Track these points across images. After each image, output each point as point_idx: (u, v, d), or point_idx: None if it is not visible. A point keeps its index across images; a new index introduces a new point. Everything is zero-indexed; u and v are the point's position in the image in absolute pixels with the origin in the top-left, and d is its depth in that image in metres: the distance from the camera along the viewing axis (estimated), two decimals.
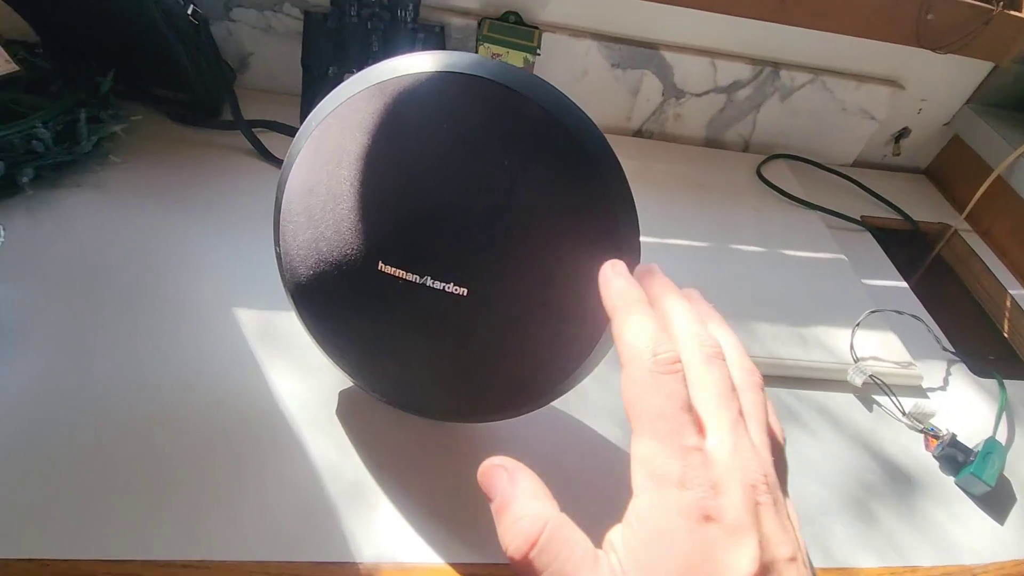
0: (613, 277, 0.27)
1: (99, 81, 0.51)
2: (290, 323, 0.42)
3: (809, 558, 0.21)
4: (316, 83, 0.57)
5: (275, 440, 0.37)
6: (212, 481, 0.34)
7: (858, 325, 0.51)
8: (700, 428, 0.21)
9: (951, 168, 0.78)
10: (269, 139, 0.57)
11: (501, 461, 0.23)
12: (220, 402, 0.38)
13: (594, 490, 0.38)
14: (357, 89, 0.32)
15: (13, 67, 0.48)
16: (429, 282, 0.30)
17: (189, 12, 0.50)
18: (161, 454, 0.34)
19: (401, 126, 0.30)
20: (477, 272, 0.30)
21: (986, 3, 0.63)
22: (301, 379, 0.40)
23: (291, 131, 0.58)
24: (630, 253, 0.32)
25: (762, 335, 0.49)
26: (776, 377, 0.48)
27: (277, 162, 0.56)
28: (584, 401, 0.43)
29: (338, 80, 0.58)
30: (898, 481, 0.43)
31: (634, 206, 0.32)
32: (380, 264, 0.30)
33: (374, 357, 0.35)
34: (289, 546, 0.32)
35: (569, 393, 0.36)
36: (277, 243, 0.35)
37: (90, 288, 0.42)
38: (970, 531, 0.42)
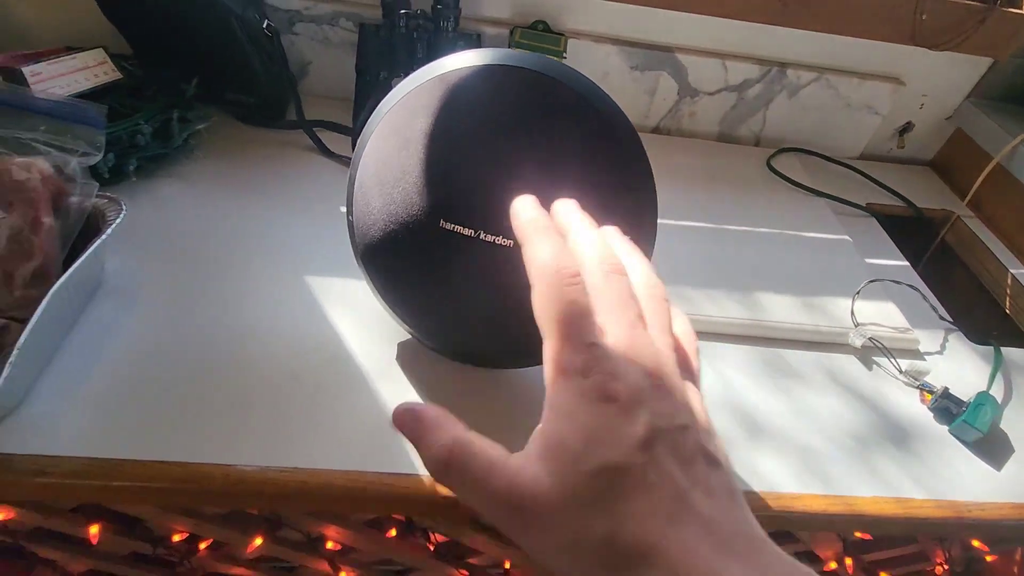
0: (522, 208, 0.29)
1: (184, 87, 0.60)
2: (353, 288, 0.49)
3: (718, 441, 0.24)
4: (368, 87, 0.65)
5: (346, 379, 0.43)
6: (295, 408, 0.40)
7: (858, 293, 0.56)
8: (600, 330, 0.23)
9: (954, 159, 0.82)
10: (326, 137, 0.65)
11: (406, 405, 0.25)
12: (297, 347, 0.44)
13: None
14: (423, 80, 0.39)
15: (117, 75, 0.57)
16: (482, 236, 0.36)
17: (264, 25, 0.58)
18: (251, 387, 0.41)
19: (459, 109, 0.37)
20: None
21: (982, 1, 0.68)
22: (365, 333, 0.46)
23: (346, 130, 0.66)
24: (649, 216, 0.38)
25: (769, 303, 0.55)
26: (781, 340, 0.53)
27: (334, 156, 0.64)
28: None
29: (388, 83, 0.66)
30: (894, 429, 0.48)
31: (651, 175, 0.38)
32: (442, 222, 0.37)
33: (432, 306, 0.41)
34: (358, 459, 0.38)
35: None
36: (350, 212, 0.42)
37: (186, 257, 0.49)
38: (962, 474, 0.46)
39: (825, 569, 0.59)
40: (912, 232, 0.75)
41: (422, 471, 0.39)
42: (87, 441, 0.36)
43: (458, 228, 0.37)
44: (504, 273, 0.37)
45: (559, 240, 0.27)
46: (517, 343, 0.42)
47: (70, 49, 0.55)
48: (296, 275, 0.50)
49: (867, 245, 0.67)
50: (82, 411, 0.38)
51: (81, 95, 0.53)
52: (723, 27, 0.71)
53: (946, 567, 0.60)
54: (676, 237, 0.60)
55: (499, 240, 0.36)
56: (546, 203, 0.36)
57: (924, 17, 0.67)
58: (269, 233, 0.53)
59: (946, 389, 0.50)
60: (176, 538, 0.53)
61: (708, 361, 0.51)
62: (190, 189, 0.56)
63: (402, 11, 0.60)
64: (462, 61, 0.38)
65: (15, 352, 0.35)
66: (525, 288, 0.39)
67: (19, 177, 0.42)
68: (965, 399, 0.49)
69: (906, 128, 0.81)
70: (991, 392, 0.50)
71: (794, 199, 0.71)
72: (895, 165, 0.83)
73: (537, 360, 0.44)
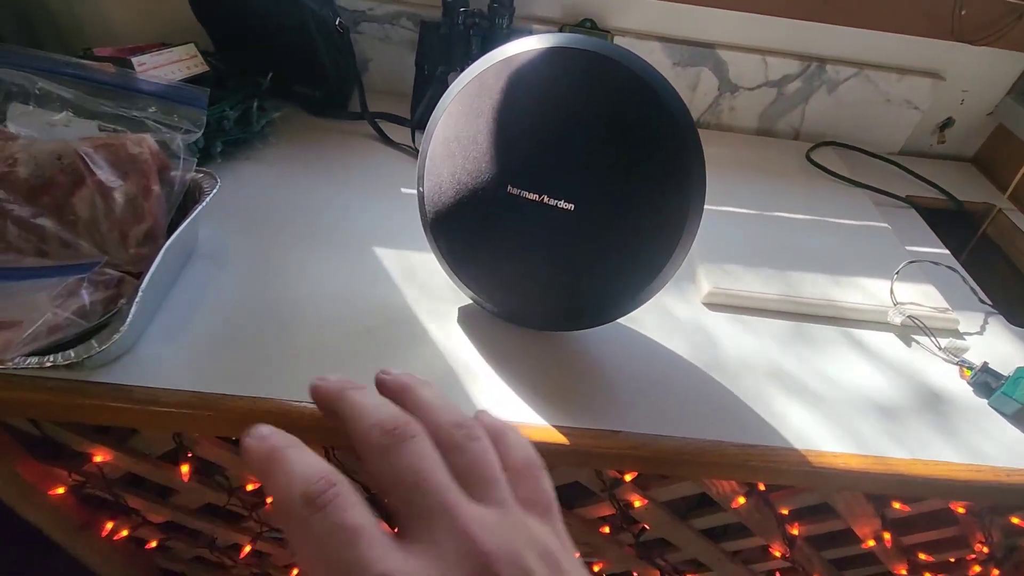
0: (320, 381, 0.24)
1: (260, 80, 0.65)
2: (417, 260, 0.53)
3: None
4: (426, 81, 0.69)
5: (412, 335, 0.47)
6: (369, 356, 0.45)
7: (897, 274, 0.57)
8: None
9: (996, 155, 0.83)
10: (386, 127, 0.70)
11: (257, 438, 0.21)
12: (369, 308, 0.49)
13: (663, 382, 0.47)
14: (490, 63, 0.43)
15: (205, 67, 0.63)
16: (545, 200, 0.40)
17: (336, 23, 0.64)
18: (329, 339, 0.46)
19: (523, 87, 0.41)
20: (580, 193, 0.40)
21: None
22: (428, 299, 0.50)
23: (405, 121, 0.71)
24: (698, 193, 0.41)
25: (808, 283, 0.57)
26: (820, 316, 0.55)
27: (395, 145, 0.68)
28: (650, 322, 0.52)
29: (444, 77, 0.71)
30: (933, 400, 0.50)
31: (703, 158, 0.41)
32: (508, 187, 0.41)
33: (496, 268, 0.45)
34: None
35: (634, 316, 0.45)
36: (421, 184, 0.46)
37: (268, 229, 0.54)
38: (1001, 443, 0.47)
39: (863, 547, 0.60)
40: (953, 225, 0.76)
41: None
42: (190, 378, 0.41)
43: (523, 193, 0.41)
44: (566, 234, 0.41)
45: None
46: (573, 304, 0.45)
47: (164, 45, 0.62)
48: (363, 247, 0.55)
49: (907, 234, 0.68)
50: (185, 353, 0.43)
51: None
52: (763, 24, 0.74)
53: (986, 550, 0.60)
54: (718, 220, 0.63)
55: (562, 204, 0.40)
56: (603, 170, 0.40)
57: (963, 12, 0.69)
58: (338, 211, 0.58)
59: (985, 364, 0.51)
60: (249, 487, 0.58)
61: (748, 332, 0.53)
62: (268, 170, 0.61)
63: (462, 9, 0.65)
64: (528, 44, 0.42)
65: (136, 300, 0.40)
66: (583, 248, 0.43)
67: (132, 151, 0.47)
68: (1005, 374, 0.51)
69: (946, 124, 0.83)
70: None
71: (834, 190, 0.73)
72: (936, 161, 0.84)
73: (590, 322, 0.48)
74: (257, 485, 0.57)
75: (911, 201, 0.74)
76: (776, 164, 0.75)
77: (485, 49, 0.70)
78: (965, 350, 0.53)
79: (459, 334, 0.48)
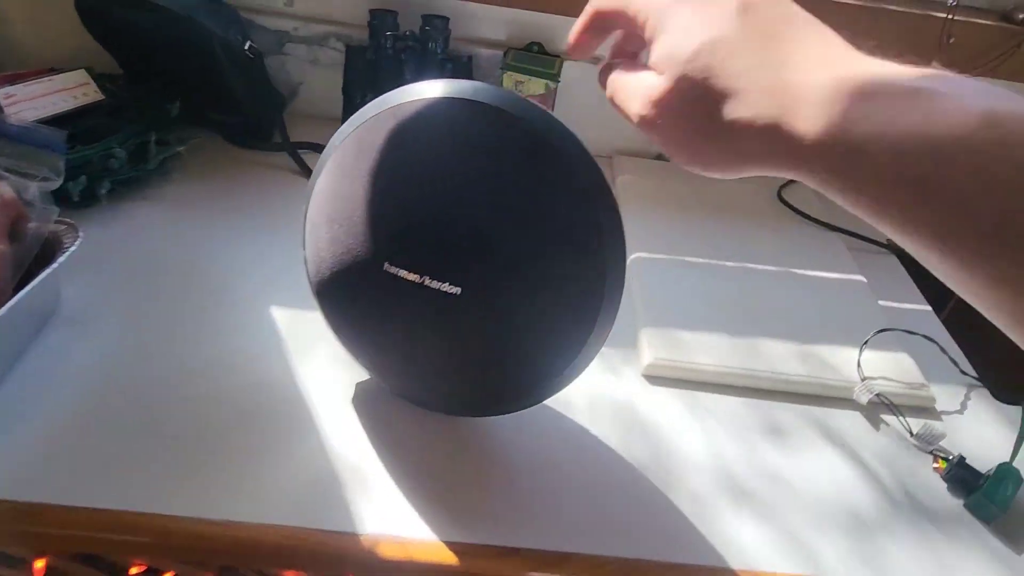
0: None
1: (168, 107, 0.59)
2: (318, 321, 0.47)
3: None
4: (355, 109, 0.63)
5: (296, 422, 0.41)
6: (239, 453, 0.38)
7: (866, 343, 0.51)
8: None
9: None
10: (313, 159, 0.63)
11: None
12: (251, 385, 0.42)
13: (585, 484, 0.40)
14: (374, 112, 0.36)
15: (99, 96, 0.56)
16: (427, 281, 0.33)
17: (246, 47, 0.57)
18: (197, 426, 0.39)
19: (409, 144, 0.34)
20: (469, 274, 0.33)
21: (1017, 24, 0.63)
22: (323, 370, 0.44)
23: None
24: (615, 262, 0.34)
25: (768, 351, 0.50)
26: (779, 392, 0.49)
27: None
28: (574, 402, 0.45)
29: None
30: (900, 501, 0.43)
31: (619, 219, 0.35)
32: (385, 265, 0.34)
33: (384, 351, 0.39)
34: (301, 514, 0.36)
35: (561, 394, 0.38)
36: (303, 247, 0.40)
37: (149, 285, 0.48)
38: (976, 558, 0.41)
39: None
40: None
41: (362, 529, 0.36)
42: (18, 481, 0.35)
43: (403, 273, 0.34)
44: (453, 322, 0.34)
45: None
46: (476, 391, 0.39)
47: (53, 70, 0.55)
48: (263, 306, 0.48)
49: (885, 286, 0.61)
50: (17, 447, 0.36)
51: (61, 116, 0.52)
52: None
53: None
54: (672, 272, 0.56)
55: (445, 287, 0.33)
56: (497, 246, 0.33)
57: (952, 40, 0.62)
58: (237, 260, 0.52)
59: (962, 458, 0.44)
60: (134, 571, 0.51)
61: (693, 414, 0.46)
62: (164, 213, 0.55)
63: (388, 33, 0.58)
64: (415, 93, 0.36)
65: None
66: (476, 337, 0.36)
67: None
68: (984, 470, 0.44)
69: None
70: (1015, 463, 0.45)
71: (807, 233, 0.66)
72: None
73: (494, 409, 0.41)
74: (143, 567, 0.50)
75: (892, 246, 0.67)
76: (744, 203, 0.68)
77: (418, 76, 0.64)
78: (940, 437, 0.46)
79: (352, 420, 0.41)
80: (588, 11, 0.27)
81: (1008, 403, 0.52)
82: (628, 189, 0.67)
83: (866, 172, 0.18)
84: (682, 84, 0.22)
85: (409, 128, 0.35)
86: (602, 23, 0.27)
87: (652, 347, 0.48)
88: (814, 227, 0.67)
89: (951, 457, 0.45)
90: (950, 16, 0.61)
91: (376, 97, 0.64)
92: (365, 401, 0.43)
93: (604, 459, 0.42)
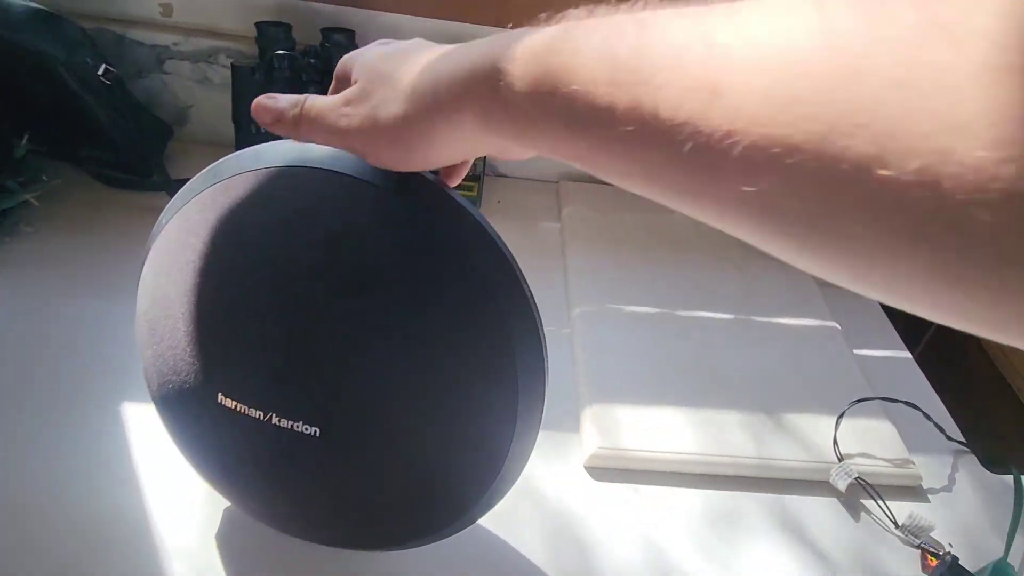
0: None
1: (14, 145, 0.48)
2: None
3: None
4: (250, 139, 0.53)
5: (147, 563, 0.32)
6: None
7: (842, 416, 0.44)
8: None
9: None
10: None
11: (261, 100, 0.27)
12: (88, 520, 0.33)
13: None
14: (202, 186, 0.27)
15: None
16: (274, 419, 0.25)
17: (100, 72, 0.47)
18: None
19: (244, 233, 0.26)
20: (330, 410, 0.25)
21: None
22: (184, 492, 0.35)
23: None
24: (531, 379, 0.26)
25: (730, 428, 0.43)
26: (745, 479, 0.42)
27: None
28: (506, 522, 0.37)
29: (270, 136, 0.54)
30: None
31: (533, 318, 0.26)
32: (219, 396, 0.25)
33: (240, 489, 0.30)
34: None
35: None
36: (139, 346, 0.31)
37: None
38: None
39: None
40: None
41: None
42: None
43: (241, 408, 0.25)
44: (309, 467, 0.26)
45: None
46: (363, 530, 0.30)
47: None
48: (113, 403, 0.39)
49: (860, 329, 0.55)
50: None
51: None
52: None
53: None
54: (618, 329, 0.49)
55: (298, 427, 0.25)
56: (367, 371, 0.24)
57: None
58: (96, 339, 0.42)
59: (955, 560, 0.38)
60: None
61: (644, 516, 0.39)
62: (10, 278, 0.45)
63: (278, 52, 0.49)
64: (256, 160, 0.27)
65: None
66: (343, 483, 0.26)
67: None
68: (977, 568, 0.38)
69: None
70: (1010, 559, 0.39)
71: (771, 270, 0.59)
72: None
73: (401, 546, 0.33)
74: None
75: None
76: (702, 237, 0.61)
77: None
78: (929, 529, 0.40)
79: (215, 563, 0.33)
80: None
81: (998, 472, 0.46)
82: (573, 222, 0.59)
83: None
84: (371, 75, 0.23)
85: (245, 210, 0.26)
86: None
87: (596, 433, 0.41)
88: (780, 264, 0.59)
89: (941, 554, 0.39)
90: None
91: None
92: (233, 534, 0.34)
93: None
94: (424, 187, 0.25)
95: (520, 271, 0.26)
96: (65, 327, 0.43)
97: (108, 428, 0.38)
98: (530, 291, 0.26)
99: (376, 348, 0.24)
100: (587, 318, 0.49)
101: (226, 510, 0.35)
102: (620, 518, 0.38)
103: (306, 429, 0.25)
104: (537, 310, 0.26)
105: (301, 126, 0.24)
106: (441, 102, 0.21)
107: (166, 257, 0.27)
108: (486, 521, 0.36)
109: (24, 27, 0.43)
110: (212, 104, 0.58)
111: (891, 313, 0.58)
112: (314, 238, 0.25)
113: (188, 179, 0.56)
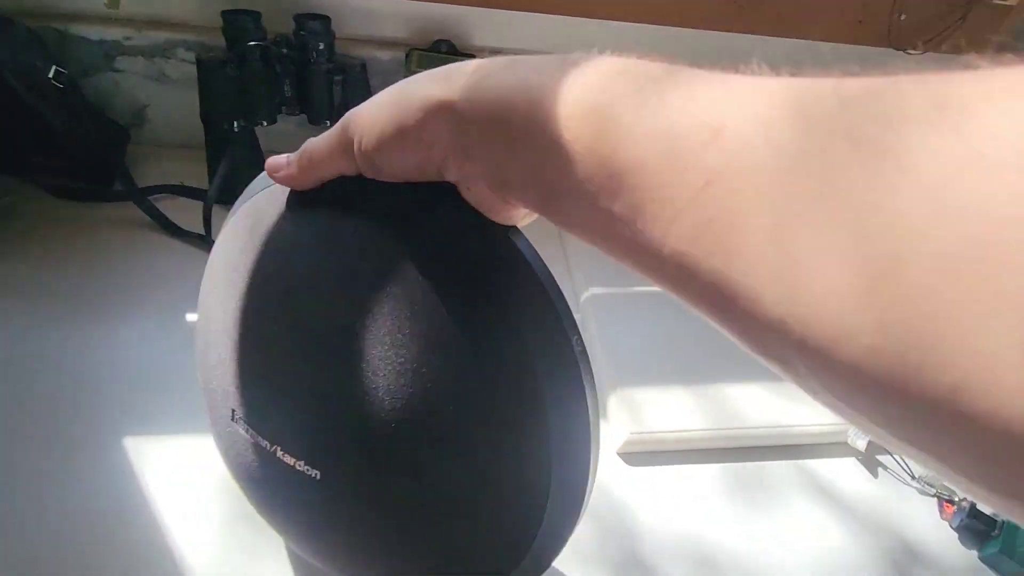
0: None
1: None
2: (201, 457, 0.35)
3: None
4: (221, 139, 0.49)
5: None
6: None
7: None
8: None
9: None
10: (174, 206, 0.49)
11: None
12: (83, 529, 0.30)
13: None
14: (242, 202, 0.25)
15: None
16: (279, 453, 0.23)
17: (51, 74, 0.42)
18: None
19: (273, 260, 0.23)
20: (330, 457, 0.22)
21: None
22: (212, 541, 0.33)
23: (199, 194, 0.50)
24: (566, 417, 0.20)
25: (745, 400, 0.44)
26: (768, 448, 0.42)
27: (184, 234, 0.48)
28: None
29: (248, 134, 0.50)
30: (910, 556, 0.38)
31: (577, 360, 0.20)
32: (233, 415, 0.24)
33: (276, 522, 0.28)
34: None
35: None
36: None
37: None
38: None
39: None
40: None
41: None
42: None
43: (251, 434, 0.23)
44: (317, 509, 0.24)
45: None
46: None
47: None
48: (111, 439, 0.35)
49: None
50: None
51: None
52: (666, 36, 0.59)
53: None
54: (629, 310, 0.48)
55: (300, 466, 0.23)
56: (372, 417, 0.20)
57: (904, 18, 0.56)
58: (71, 367, 0.38)
59: (973, 505, 0.40)
60: None
61: (681, 495, 0.39)
62: None
63: (251, 43, 0.45)
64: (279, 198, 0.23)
65: None
66: (352, 531, 0.23)
67: None
68: (993, 513, 0.40)
69: None
70: None
71: None
72: None
73: None
74: None
75: None
76: None
77: (302, 91, 0.51)
78: None
79: None
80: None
81: None
82: None
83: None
84: (372, 104, 0.19)
85: (274, 234, 0.23)
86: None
87: (626, 419, 0.40)
88: None
89: (957, 500, 0.41)
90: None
91: (251, 123, 0.51)
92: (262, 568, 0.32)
93: (589, 561, 0.34)
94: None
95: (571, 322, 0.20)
96: (20, 353, 0.39)
97: (92, 469, 0.34)
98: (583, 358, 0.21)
99: (378, 391, 0.20)
100: (597, 302, 0.48)
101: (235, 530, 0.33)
102: (659, 500, 0.39)
103: (308, 471, 0.22)
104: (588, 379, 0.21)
105: (298, 164, 0.21)
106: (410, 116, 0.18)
107: (227, 249, 0.24)
108: None
109: None
110: (171, 103, 0.54)
111: None
112: (335, 265, 0.21)
113: (158, 185, 0.52)
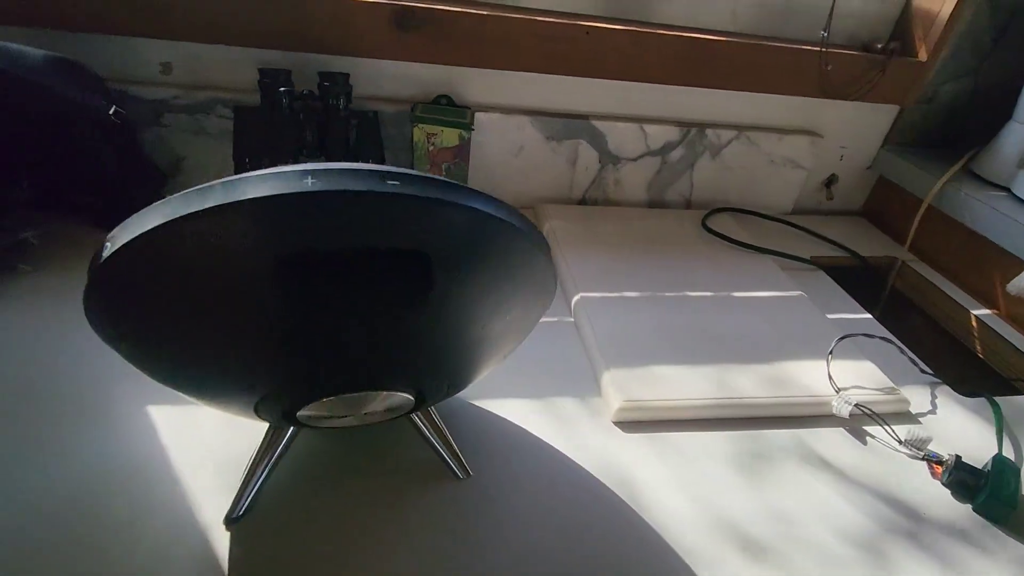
0: None
1: (15, 186, 0.49)
2: (222, 425, 0.37)
3: None
4: None
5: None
6: None
7: (831, 353, 0.48)
8: None
9: (884, 206, 0.81)
10: None
11: None
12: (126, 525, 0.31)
13: (577, 558, 0.33)
14: None
15: None
16: None
17: (111, 111, 0.50)
18: None
19: None
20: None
21: (880, 53, 0.69)
22: (224, 485, 0.34)
23: None
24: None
25: (735, 377, 0.46)
26: (758, 419, 0.44)
27: None
28: None
29: None
30: (908, 517, 0.39)
31: None
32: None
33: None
34: None
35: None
36: None
37: None
38: (1003, 565, 0.37)
39: None
40: (859, 281, 0.70)
41: None
42: None
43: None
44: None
45: None
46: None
47: None
48: (128, 406, 0.38)
49: (823, 299, 0.61)
50: None
51: None
52: (635, 91, 0.69)
53: None
54: (617, 310, 0.52)
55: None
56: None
57: (830, 68, 0.67)
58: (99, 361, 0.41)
59: (958, 458, 0.41)
60: None
61: (675, 458, 0.41)
62: (3, 313, 0.44)
63: (282, 88, 0.54)
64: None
65: None
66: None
67: None
68: (979, 465, 0.41)
69: (831, 180, 0.80)
70: (1004, 453, 0.43)
71: (738, 259, 0.65)
72: (828, 217, 0.80)
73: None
74: None
75: (816, 262, 0.68)
76: (673, 236, 0.67)
77: (323, 135, 0.59)
78: (928, 440, 0.43)
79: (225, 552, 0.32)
80: None
81: (969, 396, 0.51)
82: (558, 232, 0.64)
83: None
84: None
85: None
86: None
87: (618, 390, 0.43)
88: (744, 252, 0.66)
89: (945, 460, 0.42)
90: (823, 49, 0.66)
91: (276, 162, 0.58)
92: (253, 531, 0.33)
93: (583, 523, 0.35)
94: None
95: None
96: (57, 352, 0.42)
97: (131, 434, 0.37)
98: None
99: None
100: (587, 303, 0.53)
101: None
102: (653, 464, 0.40)
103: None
104: None
105: None
106: None
107: None
108: (533, 475, 0.37)
109: (41, 70, 0.46)
110: (207, 154, 0.61)
111: (841, 284, 0.65)
112: None
113: None
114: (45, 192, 0.53)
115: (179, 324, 0.25)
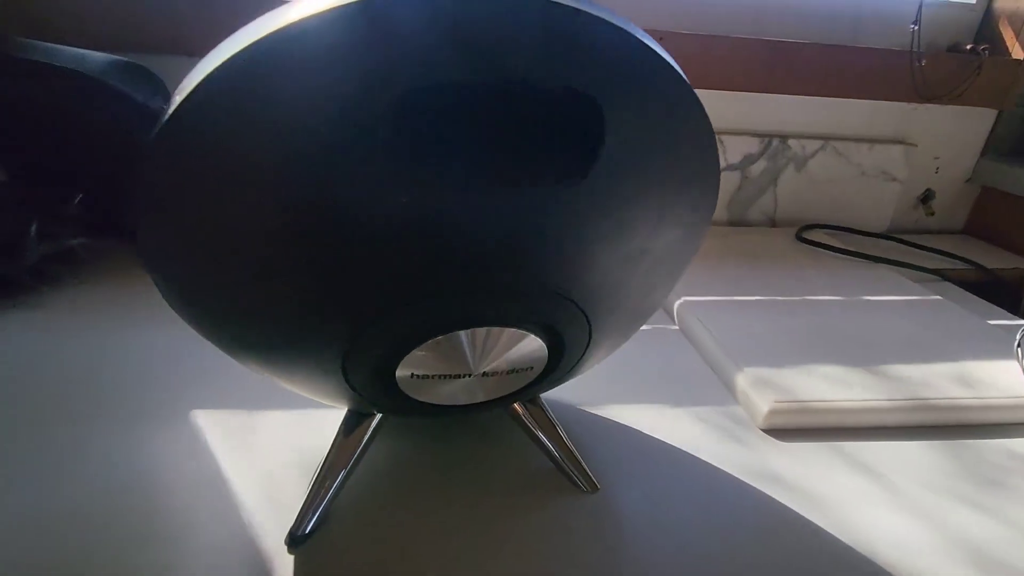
0: None
1: (67, 200, 0.46)
2: (266, 430, 0.30)
3: None
4: None
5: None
6: None
7: (1019, 345, 0.39)
8: None
9: (994, 220, 0.73)
10: None
11: None
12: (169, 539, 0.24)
13: None
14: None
15: None
16: None
17: None
18: None
19: None
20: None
21: (971, 54, 0.64)
22: (266, 500, 0.26)
23: None
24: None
25: (901, 379, 0.37)
26: (948, 427, 0.35)
27: None
28: None
29: None
30: None
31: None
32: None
33: None
34: None
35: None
36: None
37: (16, 411, 0.30)
38: None
39: None
40: (987, 298, 0.61)
41: None
42: None
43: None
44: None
45: None
46: None
47: None
48: (172, 409, 0.31)
49: (964, 305, 0.52)
50: None
51: None
52: (706, 99, 0.64)
53: None
54: (732, 312, 0.44)
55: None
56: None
57: (923, 63, 0.62)
58: (150, 363, 0.35)
59: None
60: None
61: (854, 471, 0.31)
62: (44, 324, 0.39)
63: None
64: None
65: None
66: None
67: None
68: None
69: (927, 195, 0.73)
70: None
71: (848, 268, 0.57)
72: (929, 236, 0.72)
73: None
74: None
75: (941, 274, 0.59)
76: (767, 249, 0.60)
77: None
78: None
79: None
80: None
81: None
82: None
83: None
84: None
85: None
86: None
87: (765, 392, 0.34)
88: (851, 261, 0.58)
89: None
90: (915, 49, 0.62)
91: None
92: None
93: (754, 539, 0.25)
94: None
95: None
96: (88, 366, 0.36)
97: (178, 440, 0.29)
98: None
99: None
100: (693, 307, 0.45)
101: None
102: (841, 476, 0.31)
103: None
104: None
105: None
106: None
107: None
108: (683, 495, 0.28)
109: (104, 71, 0.43)
110: None
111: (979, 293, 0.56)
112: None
113: None
114: (98, 211, 0.49)
115: (254, 219, 0.18)
